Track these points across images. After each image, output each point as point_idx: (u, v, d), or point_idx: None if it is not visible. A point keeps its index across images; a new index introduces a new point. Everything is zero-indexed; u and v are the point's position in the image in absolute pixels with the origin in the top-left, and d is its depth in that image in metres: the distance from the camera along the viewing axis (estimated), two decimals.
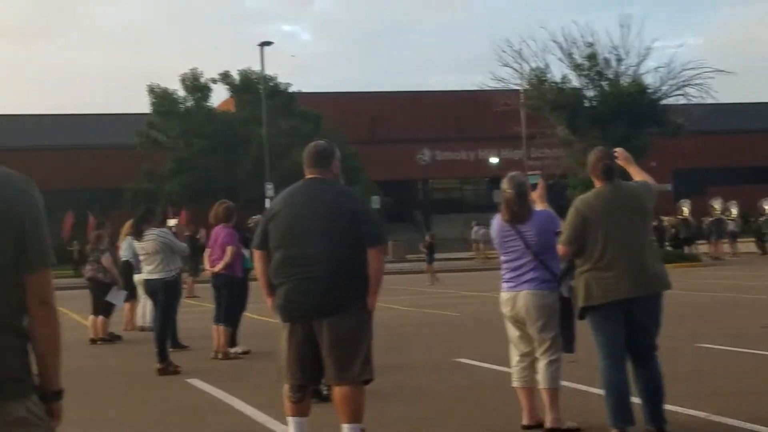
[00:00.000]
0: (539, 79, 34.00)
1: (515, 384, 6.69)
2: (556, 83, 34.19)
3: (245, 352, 11.60)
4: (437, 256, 28.52)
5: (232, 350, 11.43)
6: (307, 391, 6.09)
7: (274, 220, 6.07)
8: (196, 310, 17.09)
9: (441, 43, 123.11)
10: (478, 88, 36.06)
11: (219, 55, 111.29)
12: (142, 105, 49.84)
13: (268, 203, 39.22)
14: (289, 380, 6.00)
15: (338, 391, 5.94)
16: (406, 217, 55.78)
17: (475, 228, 39.54)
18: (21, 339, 2.82)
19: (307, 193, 6.06)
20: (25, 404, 2.78)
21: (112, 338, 13.85)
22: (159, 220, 11.11)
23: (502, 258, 6.69)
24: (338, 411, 6.00)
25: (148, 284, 11.00)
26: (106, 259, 13.59)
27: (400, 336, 11.51)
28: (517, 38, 39.30)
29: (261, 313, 15.66)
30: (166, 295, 10.73)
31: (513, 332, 6.68)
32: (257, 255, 6.20)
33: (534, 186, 6.76)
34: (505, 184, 6.54)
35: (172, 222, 11.85)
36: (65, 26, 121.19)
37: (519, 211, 6.48)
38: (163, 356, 10.37)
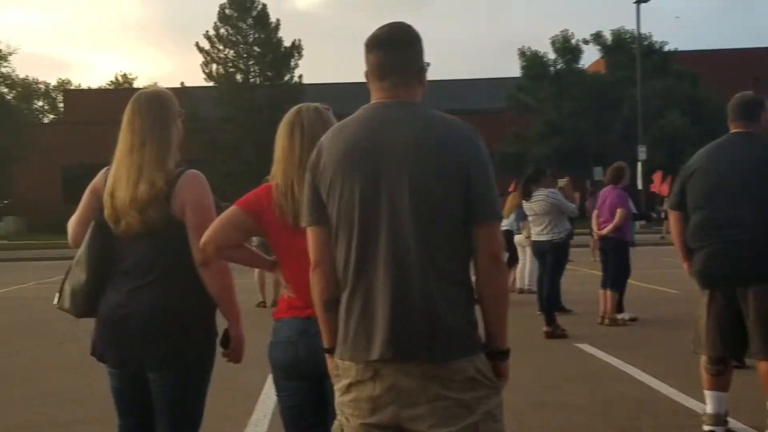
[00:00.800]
0: None
1: None
2: None
3: (633, 319, 11.18)
4: None
5: (620, 316, 11.06)
6: (728, 363, 5.61)
7: (692, 178, 5.60)
8: (574, 274, 16.86)
9: None
10: None
11: (590, 16, 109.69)
12: (510, 69, 50.31)
13: (640, 167, 37.87)
14: (708, 351, 5.56)
15: (764, 367, 5.40)
16: None
17: None
18: (469, 294, 2.70)
19: (731, 149, 5.52)
20: (473, 363, 2.65)
21: None
22: (549, 181, 10.92)
23: None
24: (763, 389, 5.46)
25: (537, 245, 10.90)
26: None
27: None
28: None
29: (645, 279, 15.13)
30: (554, 257, 10.59)
31: None
32: (673, 216, 5.77)
33: None
34: None
35: (561, 182, 11.62)
36: None
37: None
38: (550, 319, 10.25)
